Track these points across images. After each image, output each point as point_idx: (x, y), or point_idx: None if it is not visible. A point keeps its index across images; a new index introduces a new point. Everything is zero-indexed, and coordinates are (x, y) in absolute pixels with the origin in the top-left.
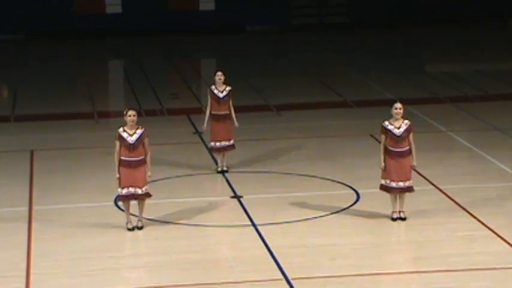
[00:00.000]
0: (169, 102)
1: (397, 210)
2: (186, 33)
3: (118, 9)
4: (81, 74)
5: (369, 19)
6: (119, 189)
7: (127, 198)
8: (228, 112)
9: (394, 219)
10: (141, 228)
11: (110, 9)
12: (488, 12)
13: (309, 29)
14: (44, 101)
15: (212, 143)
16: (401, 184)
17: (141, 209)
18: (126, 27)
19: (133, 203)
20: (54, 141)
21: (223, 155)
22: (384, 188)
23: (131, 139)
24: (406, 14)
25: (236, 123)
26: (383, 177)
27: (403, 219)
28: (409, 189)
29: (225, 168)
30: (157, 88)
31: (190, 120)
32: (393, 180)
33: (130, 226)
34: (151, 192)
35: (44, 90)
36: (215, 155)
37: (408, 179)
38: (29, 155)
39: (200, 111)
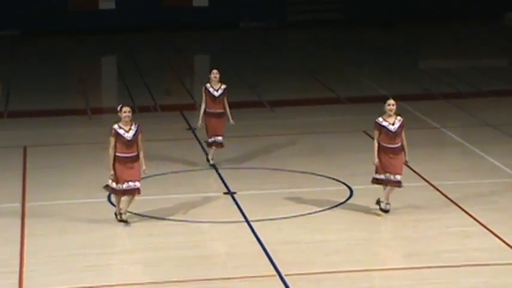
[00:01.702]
0: (162, 98)
1: (389, 201)
2: (180, 29)
3: (111, 6)
4: (74, 70)
5: (365, 16)
6: (113, 184)
7: (125, 193)
8: (223, 110)
9: (382, 209)
10: (126, 221)
11: (103, 6)
12: (486, 9)
13: (304, 25)
14: (37, 97)
15: (208, 139)
16: (392, 177)
17: (128, 202)
18: (119, 24)
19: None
20: (47, 137)
21: (213, 151)
22: (375, 180)
23: (128, 135)
24: (403, 11)
25: (232, 121)
26: (376, 172)
27: (387, 211)
28: (399, 184)
29: (211, 162)
30: (151, 84)
31: (184, 117)
32: (385, 173)
33: (120, 218)
34: (142, 190)
35: (38, 86)
36: (208, 149)
37: (400, 174)
38: (22, 151)
39: (193, 107)
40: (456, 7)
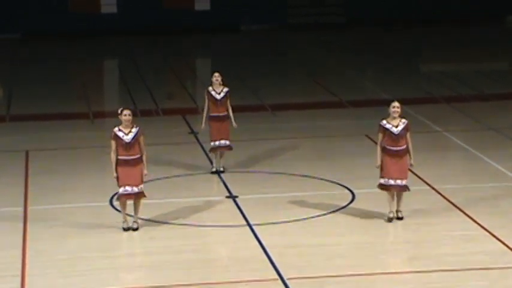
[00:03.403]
0: (164, 102)
1: (394, 210)
2: (181, 32)
3: (113, 9)
4: (76, 74)
5: (366, 18)
6: (120, 189)
7: (126, 197)
8: (226, 113)
9: (390, 219)
10: (136, 229)
11: (105, 9)
12: (487, 11)
13: (305, 28)
14: (39, 101)
15: (211, 143)
16: (399, 182)
17: (136, 209)
18: (121, 27)
19: (129, 202)
20: (49, 141)
21: (221, 156)
22: (382, 186)
23: (127, 138)
24: (403, 14)
25: (235, 124)
26: (382, 176)
27: (401, 218)
28: (406, 188)
29: (221, 169)
30: (152, 88)
31: (186, 121)
32: (392, 178)
33: (125, 226)
34: (146, 193)
35: (39, 90)
36: (212, 154)
37: (405, 178)
38: (24, 155)
39: (195, 111)
40: (457, 9)
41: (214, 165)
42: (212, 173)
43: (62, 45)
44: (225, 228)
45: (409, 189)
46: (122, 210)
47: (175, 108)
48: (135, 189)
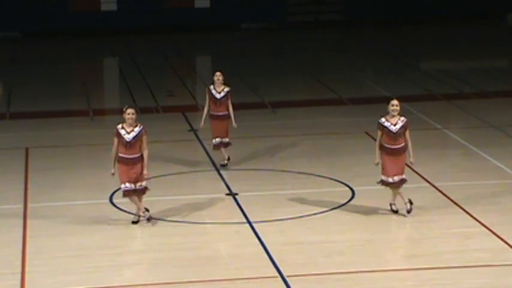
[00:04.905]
0: (164, 99)
1: (395, 202)
2: (181, 30)
3: (113, 7)
4: (76, 72)
5: (366, 17)
6: (122, 185)
7: (128, 193)
8: (226, 113)
9: (395, 211)
10: (136, 222)
11: (105, 7)
12: (487, 9)
13: (305, 26)
14: (39, 98)
15: (213, 140)
16: (396, 178)
17: (138, 206)
18: (121, 25)
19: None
20: (49, 138)
21: (224, 151)
22: (383, 182)
23: (128, 137)
24: (403, 12)
25: (234, 124)
26: (383, 174)
27: (409, 211)
28: (402, 182)
29: (225, 162)
30: (153, 86)
31: (186, 118)
32: (390, 176)
33: (146, 216)
34: (149, 187)
35: (39, 87)
36: (215, 152)
37: (401, 174)
38: (24, 152)
39: (195, 108)
40: (457, 7)
41: (223, 160)
42: (222, 165)
43: (61, 44)
44: (225, 225)
45: (406, 180)
46: (135, 204)
47: (175, 106)
48: (133, 186)
